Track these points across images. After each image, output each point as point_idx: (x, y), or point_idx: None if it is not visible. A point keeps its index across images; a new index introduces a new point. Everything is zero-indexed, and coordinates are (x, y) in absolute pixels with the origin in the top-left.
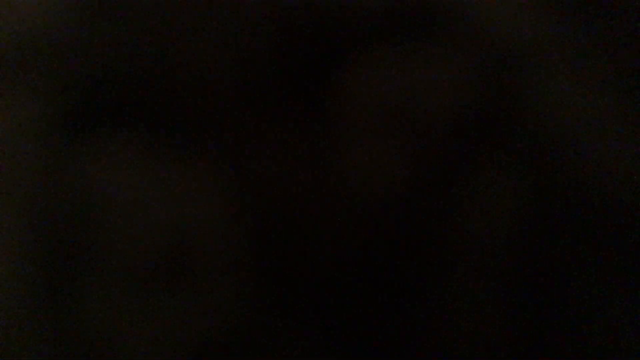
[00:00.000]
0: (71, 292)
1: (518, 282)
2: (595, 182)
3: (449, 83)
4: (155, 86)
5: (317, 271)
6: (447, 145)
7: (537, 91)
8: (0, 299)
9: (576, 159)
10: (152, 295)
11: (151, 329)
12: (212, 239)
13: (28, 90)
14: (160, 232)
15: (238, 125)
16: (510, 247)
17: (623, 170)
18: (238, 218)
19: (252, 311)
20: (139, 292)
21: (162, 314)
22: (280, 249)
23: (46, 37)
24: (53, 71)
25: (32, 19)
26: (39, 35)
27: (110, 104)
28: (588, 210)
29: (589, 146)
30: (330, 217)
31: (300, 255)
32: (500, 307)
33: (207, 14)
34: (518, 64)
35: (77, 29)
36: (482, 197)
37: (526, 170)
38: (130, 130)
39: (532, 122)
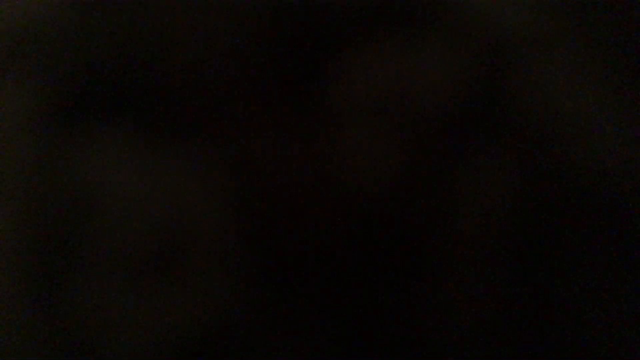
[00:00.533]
0: (64, 285)
1: (512, 275)
2: (589, 175)
3: (443, 75)
4: (149, 79)
5: (311, 264)
6: (441, 138)
7: (532, 83)
8: None
9: (571, 152)
10: (146, 288)
11: (145, 321)
12: (206, 231)
13: (22, 83)
14: (154, 225)
15: (232, 118)
16: (504, 239)
17: (618, 163)
18: (232, 211)
19: (246, 304)
20: (133, 285)
21: (156, 306)
22: (275, 242)
23: (40, 29)
24: (47, 63)
25: (25, 10)
26: (32, 27)
27: (104, 97)
28: (583, 203)
29: (583, 139)
30: (325, 210)
31: (294, 248)
32: (494, 301)
33: (201, 7)
34: (512, 56)
35: (72, 21)
36: (476, 189)
37: (521, 162)
38: (124, 123)
39: (526, 114)
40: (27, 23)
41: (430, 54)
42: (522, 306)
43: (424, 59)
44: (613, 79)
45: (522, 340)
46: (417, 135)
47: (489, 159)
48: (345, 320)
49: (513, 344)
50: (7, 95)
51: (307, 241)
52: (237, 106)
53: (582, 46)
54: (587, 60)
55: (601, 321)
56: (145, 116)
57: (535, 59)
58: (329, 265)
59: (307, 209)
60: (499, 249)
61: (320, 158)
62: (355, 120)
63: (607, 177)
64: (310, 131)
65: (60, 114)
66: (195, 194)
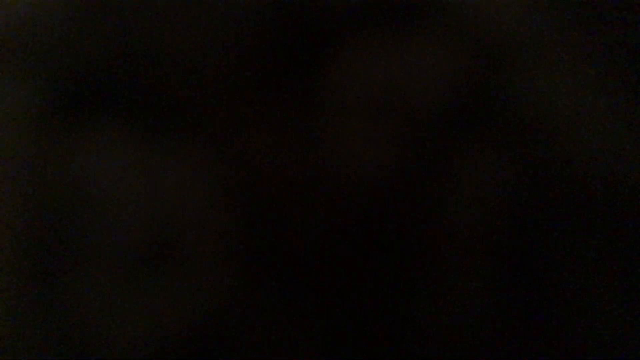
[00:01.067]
0: (59, 281)
1: (508, 272)
2: (586, 172)
3: (440, 72)
4: (145, 75)
5: (306, 260)
6: (438, 135)
7: (529, 80)
8: None
9: (568, 150)
10: (141, 284)
11: (141, 317)
12: (201, 228)
13: (17, 80)
14: (150, 221)
15: (227, 115)
16: (500, 236)
17: (616, 161)
18: (227, 208)
19: (242, 300)
20: (128, 281)
21: (152, 303)
22: (270, 238)
23: (37, 25)
24: (43, 60)
25: (21, 7)
26: (29, 23)
27: (100, 93)
28: (579, 200)
29: (580, 136)
30: (320, 206)
31: (289, 244)
32: (490, 296)
33: (197, 5)
34: (509, 54)
35: (69, 17)
36: (473, 186)
37: (517, 160)
38: (120, 120)
39: (523, 112)
40: (22, 20)
41: (426, 51)
42: (519, 302)
43: (419, 56)
44: (611, 77)
45: (519, 338)
46: (413, 132)
47: (485, 157)
48: (341, 316)
49: (510, 341)
50: (6, 93)
51: (303, 236)
52: (233, 103)
53: (580, 44)
54: (585, 59)
55: (599, 320)
56: (140, 113)
57: (532, 56)
58: (325, 261)
59: (302, 204)
60: (494, 246)
61: (315, 154)
62: (351, 117)
63: (605, 175)
64: (306, 128)
65: (56, 111)
66: (191, 190)
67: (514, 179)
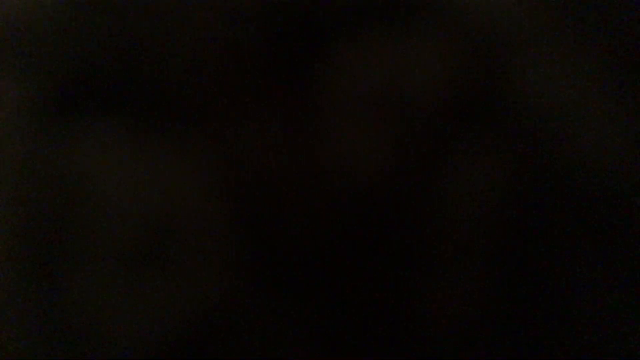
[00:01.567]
0: (56, 277)
1: (506, 271)
2: (584, 171)
3: (437, 70)
4: (141, 73)
5: (303, 257)
6: (435, 133)
7: (526, 77)
8: None
9: (565, 148)
10: (138, 281)
11: (138, 313)
12: (198, 225)
13: (15, 76)
14: (147, 218)
15: (223, 112)
16: (498, 235)
17: (614, 160)
18: (224, 204)
19: (238, 296)
20: (124, 278)
21: (149, 299)
22: (266, 235)
23: (33, 20)
24: (40, 57)
25: (18, 5)
26: (25, 18)
27: (96, 91)
28: (577, 199)
29: (579, 135)
30: (316, 204)
31: (285, 241)
32: (488, 296)
33: (193, 3)
34: (507, 52)
35: (66, 15)
36: (470, 184)
37: (515, 158)
38: (116, 117)
39: (521, 109)
40: (19, 16)
41: (424, 49)
42: (518, 301)
43: (417, 54)
44: (610, 75)
45: (516, 337)
46: (411, 130)
47: (483, 155)
48: (339, 316)
49: (507, 341)
50: (2, 88)
51: (300, 235)
52: (229, 100)
53: (579, 43)
54: (584, 57)
55: (599, 320)
56: (138, 111)
57: (530, 54)
58: (321, 258)
59: (299, 203)
60: (493, 244)
61: (313, 153)
62: (349, 115)
63: (604, 173)
64: (303, 126)
65: (53, 109)
66: (187, 187)
67: (512, 177)
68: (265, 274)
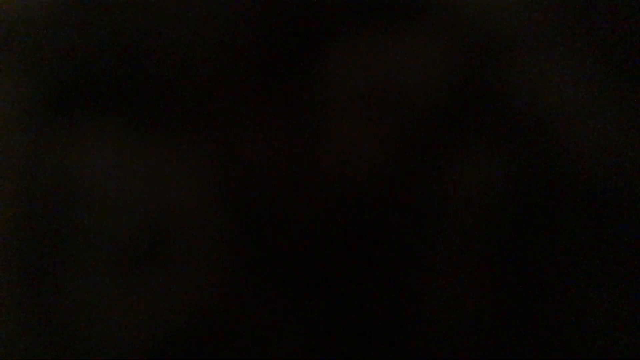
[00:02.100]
0: (52, 277)
1: (503, 268)
2: (584, 167)
3: (435, 69)
4: (138, 72)
5: (300, 256)
6: (433, 130)
7: (525, 75)
8: None
9: (564, 148)
10: (135, 280)
11: (135, 311)
12: (195, 224)
13: (13, 75)
14: (144, 218)
15: (221, 111)
16: (496, 234)
17: (613, 159)
18: (221, 204)
19: (235, 296)
20: (120, 275)
21: (145, 299)
22: (263, 234)
23: (29, 18)
24: (36, 56)
25: (17, 3)
26: (22, 16)
27: (93, 90)
28: (576, 198)
29: (578, 131)
30: (314, 203)
31: (283, 240)
32: (487, 295)
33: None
34: (506, 51)
35: (64, 13)
36: (468, 183)
37: (513, 157)
38: (113, 116)
39: (519, 109)
40: (16, 14)
41: (422, 48)
42: (516, 301)
43: (415, 52)
44: (608, 73)
45: (516, 337)
46: (409, 128)
47: (482, 155)
48: (337, 314)
49: (507, 341)
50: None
51: (296, 233)
52: (226, 99)
53: (577, 41)
54: (583, 55)
55: (599, 319)
56: (134, 109)
57: (529, 53)
58: (318, 257)
59: (297, 202)
60: (491, 243)
61: (309, 151)
62: (347, 115)
63: (603, 171)
64: (301, 125)
65: (51, 108)
66: (186, 187)
67: (512, 177)
68: (265, 274)
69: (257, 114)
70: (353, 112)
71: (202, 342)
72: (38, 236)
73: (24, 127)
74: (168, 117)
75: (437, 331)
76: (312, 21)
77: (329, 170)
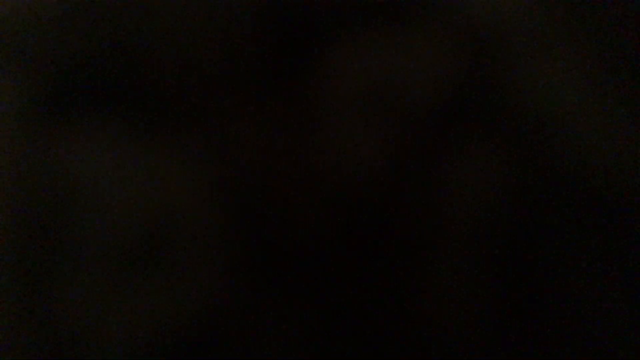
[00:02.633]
0: (49, 279)
1: (503, 268)
2: (584, 166)
3: (435, 69)
4: (136, 72)
5: (298, 256)
6: (432, 129)
7: (524, 75)
8: None
9: (563, 147)
10: (131, 280)
11: (130, 313)
12: (193, 225)
13: (10, 73)
14: (141, 218)
15: (219, 111)
16: (495, 234)
17: (613, 159)
18: (219, 204)
19: (233, 297)
20: (117, 276)
21: (143, 300)
22: (261, 234)
23: (25, 19)
24: (34, 56)
25: (12, 4)
26: (17, 17)
27: (90, 90)
28: (575, 198)
29: (577, 130)
30: (312, 203)
31: (281, 240)
32: (485, 295)
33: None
34: (506, 50)
35: (61, 13)
36: (467, 183)
37: (513, 157)
38: (111, 117)
39: (519, 108)
40: (12, 15)
41: (421, 48)
42: (516, 301)
43: (414, 52)
44: (608, 73)
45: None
46: (408, 128)
47: (482, 154)
48: (336, 314)
49: (507, 341)
50: None
51: (294, 233)
52: (224, 99)
53: (577, 40)
54: (582, 55)
55: (599, 319)
56: (131, 109)
57: (528, 52)
58: (316, 257)
59: (294, 201)
60: (491, 242)
61: (307, 150)
62: (344, 113)
63: (603, 170)
64: (299, 125)
65: (47, 108)
66: (183, 187)
67: (512, 177)
68: (264, 274)
69: (256, 114)
70: (353, 112)
71: (202, 342)
72: (37, 236)
73: (23, 127)
74: (167, 117)
75: (437, 331)
76: (312, 21)
77: (328, 170)
